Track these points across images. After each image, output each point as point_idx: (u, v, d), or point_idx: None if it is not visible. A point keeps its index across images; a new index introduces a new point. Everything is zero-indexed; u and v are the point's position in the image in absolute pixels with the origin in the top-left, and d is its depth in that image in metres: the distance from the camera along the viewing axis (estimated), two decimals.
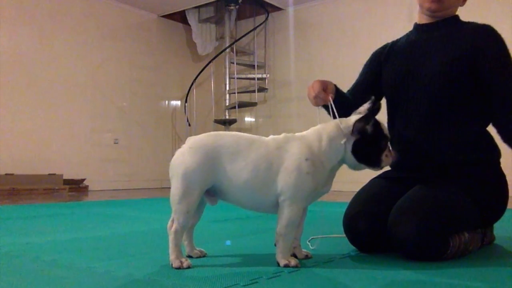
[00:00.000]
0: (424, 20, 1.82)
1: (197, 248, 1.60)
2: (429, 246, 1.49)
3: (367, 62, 1.97)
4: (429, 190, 1.61)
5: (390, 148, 1.52)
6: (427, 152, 1.72)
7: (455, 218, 1.56)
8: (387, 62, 1.88)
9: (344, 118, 1.50)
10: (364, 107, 1.51)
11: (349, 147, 1.45)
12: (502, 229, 1.98)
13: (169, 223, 1.44)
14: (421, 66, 1.74)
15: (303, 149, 1.43)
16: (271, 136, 1.49)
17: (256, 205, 1.48)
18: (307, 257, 1.56)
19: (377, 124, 1.47)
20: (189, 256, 1.55)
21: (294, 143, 1.44)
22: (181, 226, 1.41)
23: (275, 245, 1.45)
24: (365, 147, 1.46)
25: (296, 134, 1.49)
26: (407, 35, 1.89)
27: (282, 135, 1.49)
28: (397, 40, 1.93)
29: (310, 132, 1.49)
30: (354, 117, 1.49)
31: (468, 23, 1.76)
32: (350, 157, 1.47)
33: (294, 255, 1.53)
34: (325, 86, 1.63)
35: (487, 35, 1.68)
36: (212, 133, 1.51)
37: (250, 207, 1.50)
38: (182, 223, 1.41)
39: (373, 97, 1.53)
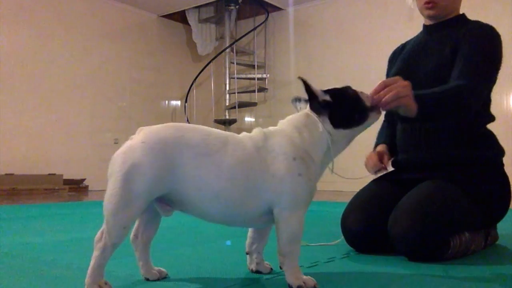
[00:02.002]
0: (429, 21, 1.85)
1: (156, 268, 1.29)
2: (430, 246, 1.48)
3: (386, 70, 2.00)
4: (429, 190, 1.60)
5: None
6: (428, 151, 1.72)
7: (455, 218, 1.56)
8: (394, 63, 1.92)
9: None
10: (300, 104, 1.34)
11: (329, 127, 1.24)
12: (505, 228, 1.97)
13: (98, 234, 1.13)
14: (419, 65, 1.76)
15: (287, 147, 1.19)
16: (243, 133, 1.25)
17: (229, 219, 1.22)
18: (272, 270, 1.36)
19: (328, 90, 1.28)
20: (146, 279, 1.27)
21: (274, 140, 1.20)
22: (113, 243, 1.11)
23: (280, 268, 1.22)
24: (343, 111, 1.26)
25: (271, 129, 1.26)
26: (417, 36, 1.93)
27: (257, 130, 1.24)
28: (407, 42, 1.97)
29: (285, 126, 1.26)
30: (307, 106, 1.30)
31: (472, 22, 1.76)
32: (338, 135, 1.25)
33: (258, 272, 1.35)
34: (381, 157, 1.78)
35: (479, 30, 1.69)
36: (171, 124, 1.20)
37: (220, 221, 1.23)
38: (114, 239, 1.11)
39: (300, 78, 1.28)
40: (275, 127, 1.27)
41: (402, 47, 1.97)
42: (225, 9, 7.20)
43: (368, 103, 1.29)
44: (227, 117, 7.15)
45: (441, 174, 1.66)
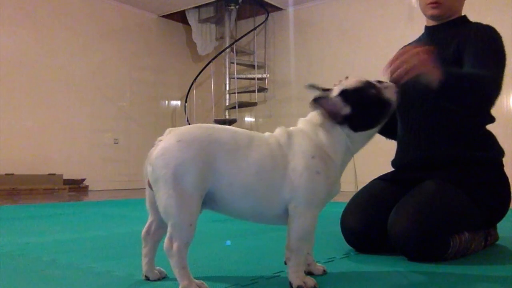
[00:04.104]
0: (431, 22, 1.84)
1: (157, 268, 1.30)
2: (429, 246, 1.48)
3: None
4: (428, 190, 1.60)
5: (383, 81, 1.28)
6: (428, 151, 1.72)
7: (454, 218, 1.55)
8: None
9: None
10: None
11: (348, 131, 1.23)
12: (505, 228, 1.97)
13: (166, 242, 1.13)
14: None
15: (307, 145, 1.21)
16: (267, 133, 1.28)
17: (257, 215, 1.23)
18: (324, 272, 1.35)
19: (345, 93, 1.23)
20: (146, 278, 1.28)
21: (296, 139, 1.23)
22: (186, 243, 1.13)
23: (285, 263, 1.23)
24: (364, 116, 1.23)
25: (292, 128, 1.28)
26: (419, 38, 1.91)
27: (280, 130, 1.27)
28: (409, 44, 1.94)
29: (304, 125, 1.27)
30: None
31: (474, 23, 1.75)
32: (357, 135, 1.24)
33: (311, 273, 1.33)
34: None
35: (483, 32, 1.68)
36: (200, 125, 1.23)
37: (249, 217, 1.25)
38: (185, 239, 1.12)
39: (308, 86, 1.30)
40: (298, 127, 1.28)
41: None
42: (225, 9, 7.20)
43: (391, 94, 1.25)
44: (227, 117, 7.15)
45: (441, 174, 1.66)
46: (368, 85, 1.25)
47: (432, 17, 1.80)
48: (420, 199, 1.56)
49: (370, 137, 1.29)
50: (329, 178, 1.21)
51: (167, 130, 1.21)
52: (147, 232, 1.27)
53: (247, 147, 1.19)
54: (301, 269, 1.20)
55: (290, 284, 1.18)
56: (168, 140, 1.16)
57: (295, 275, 1.18)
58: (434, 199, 1.56)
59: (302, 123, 1.29)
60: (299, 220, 1.18)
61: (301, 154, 1.20)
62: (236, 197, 1.17)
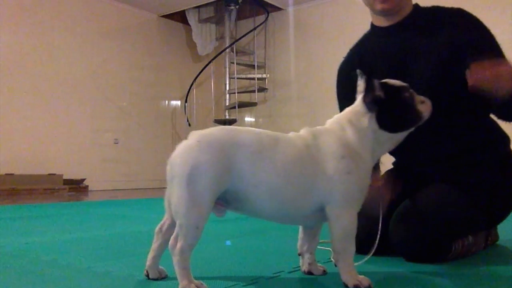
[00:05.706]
0: (385, 22, 1.68)
1: (160, 267, 1.30)
2: (430, 252, 1.47)
3: (340, 84, 1.81)
4: (429, 195, 1.57)
5: (423, 97, 1.31)
6: (429, 156, 1.69)
7: (457, 224, 1.53)
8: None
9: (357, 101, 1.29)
10: (361, 86, 1.31)
11: (375, 126, 1.24)
12: (505, 228, 1.97)
13: (172, 241, 1.14)
14: (411, 73, 1.61)
15: (335, 145, 1.20)
16: (291, 133, 1.26)
17: (284, 216, 1.23)
18: (324, 272, 1.35)
19: (385, 85, 1.26)
20: (146, 274, 1.28)
21: (323, 139, 1.22)
22: (189, 244, 1.12)
23: (335, 265, 1.23)
24: (392, 114, 1.25)
25: (319, 128, 1.26)
26: (374, 41, 1.74)
27: (306, 130, 1.25)
28: (360, 48, 1.79)
29: (331, 125, 1.27)
30: (360, 98, 1.29)
31: (436, 11, 1.65)
32: (382, 136, 1.25)
33: (310, 273, 1.33)
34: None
35: (463, 21, 1.60)
36: (223, 127, 1.23)
37: (275, 218, 1.25)
38: (189, 240, 1.12)
39: (358, 71, 1.32)
40: (323, 126, 1.28)
41: (359, 56, 1.75)
42: (225, 9, 7.20)
43: (423, 109, 1.29)
44: (227, 117, 7.16)
45: (442, 177, 1.63)
46: (407, 89, 1.28)
47: (382, 12, 1.64)
48: (420, 204, 1.53)
49: (393, 143, 1.30)
50: (361, 178, 1.21)
51: (190, 133, 1.19)
52: (160, 229, 1.27)
53: (272, 148, 1.17)
54: (353, 268, 1.20)
55: (346, 285, 1.18)
56: (189, 140, 1.16)
57: (348, 275, 1.18)
58: (435, 204, 1.53)
59: (328, 123, 1.28)
60: (338, 222, 1.18)
61: (330, 155, 1.19)
62: (261, 198, 1.17)
